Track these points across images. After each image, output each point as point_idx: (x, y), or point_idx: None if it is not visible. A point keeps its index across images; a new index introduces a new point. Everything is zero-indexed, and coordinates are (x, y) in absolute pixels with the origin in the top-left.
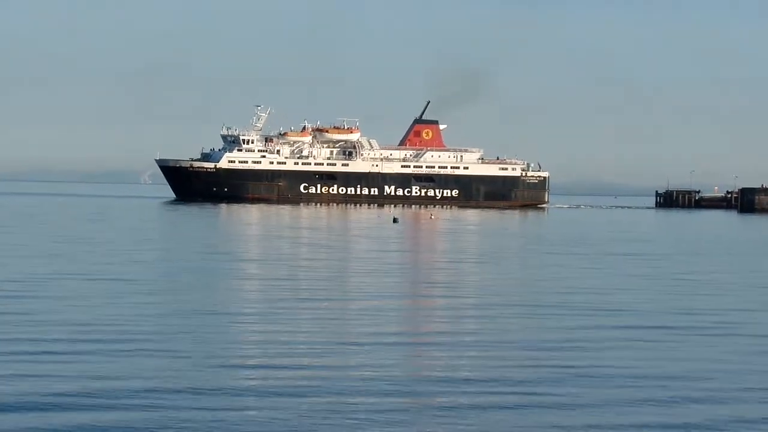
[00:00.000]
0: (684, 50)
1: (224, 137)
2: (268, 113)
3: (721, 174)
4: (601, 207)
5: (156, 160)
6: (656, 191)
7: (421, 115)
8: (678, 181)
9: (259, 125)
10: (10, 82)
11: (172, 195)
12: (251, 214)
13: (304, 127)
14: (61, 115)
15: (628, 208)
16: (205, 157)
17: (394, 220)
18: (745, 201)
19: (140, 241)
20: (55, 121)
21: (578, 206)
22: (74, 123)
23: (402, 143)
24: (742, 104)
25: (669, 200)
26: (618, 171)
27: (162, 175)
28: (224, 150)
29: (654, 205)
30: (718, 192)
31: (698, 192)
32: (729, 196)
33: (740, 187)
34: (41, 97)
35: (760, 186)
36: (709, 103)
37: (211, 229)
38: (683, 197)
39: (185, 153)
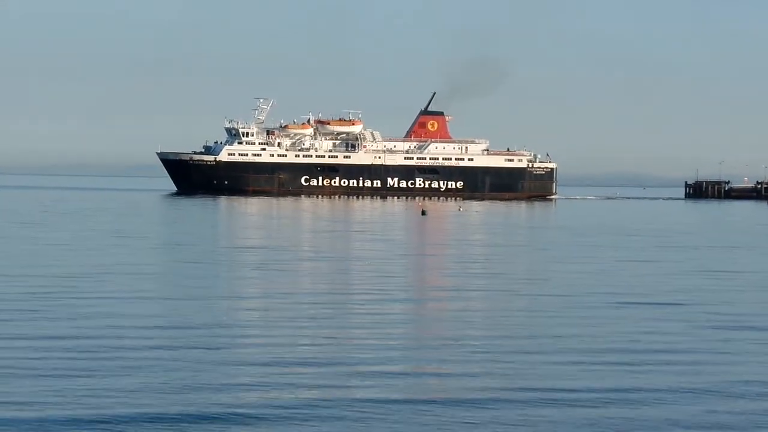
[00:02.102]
0: (713, 39)
1: (228, 130)
2: (271, 106)
3: (752, 164)
4: (626, 198)
5: (157, 153)
6: (686, 182)
7: (427, 107)
8: (707, 171)
9: (262, 118)
10: (7, 73)
11: (173, 188)
12: (273, 210)
13: (309, 120)
14: (63, 108)
15: (654, 199)
16: (207, 150)
17: (423, 213)
18: None
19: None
20: (58, 114)
21: (606, 197)
22: (75, 116)
23: (407, 135)
24: None
25: (698, 191)
26: (647, 162)
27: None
28: (227, 143)
29: (683, 196)
30: (747, 182)
31: (728, 183)
32: (759, 186)
33: None
34: (40, 89)
35: None
36: (739, 93)
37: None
38: (713, 188)
39: (191, 146)
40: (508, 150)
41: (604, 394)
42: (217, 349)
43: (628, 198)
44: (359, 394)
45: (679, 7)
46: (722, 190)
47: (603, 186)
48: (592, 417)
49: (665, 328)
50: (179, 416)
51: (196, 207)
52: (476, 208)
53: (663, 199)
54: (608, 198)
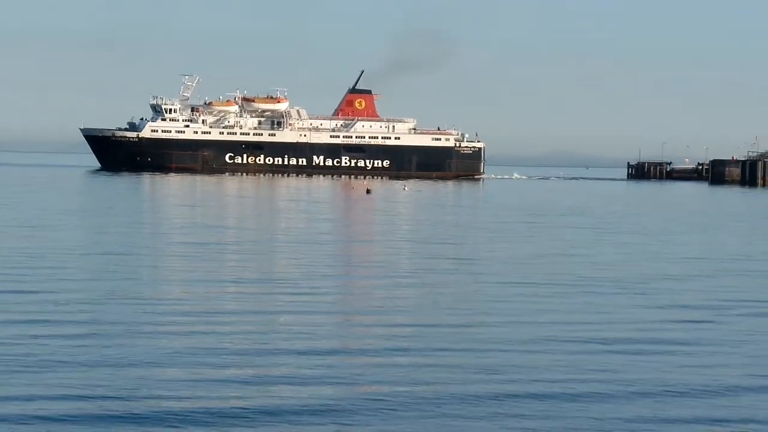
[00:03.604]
0: (656, 21)
1: (152, 107)
2: (196, 83)
3: (693, 146)
4: (567, 178)
5: (80, 129)
6: (628, 163)
7: (355, 85)
8: (650, 152)
9: (186, 95)
10: None
11: (97, 164)
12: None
13: (235, 97)
14: None
15: (593, 179)
16: (132, 127)
17: (368, 192)
18: (715, 173)
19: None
20: None
21: (548, 178)
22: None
23: (335, 114)
24: (714, 76)
25: (640, 172)
26: (591, 142)
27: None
28: (152, 120)
29: (626, 177)
30: (689, 164)
31: (669, 164)
32: (700, 168)
33: (711, 159)
34: None
35: (730, 158)
36: (681, 75)
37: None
38: (654, 169)
39: (120, 123)
40: (438, 129)
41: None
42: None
43: (570, 178)
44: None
45: None
46: (664, 171)
47: (546, 166)
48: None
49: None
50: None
51: (102, 185)
52: (418, 187)
53: (603, 179)
54: (543, 178)
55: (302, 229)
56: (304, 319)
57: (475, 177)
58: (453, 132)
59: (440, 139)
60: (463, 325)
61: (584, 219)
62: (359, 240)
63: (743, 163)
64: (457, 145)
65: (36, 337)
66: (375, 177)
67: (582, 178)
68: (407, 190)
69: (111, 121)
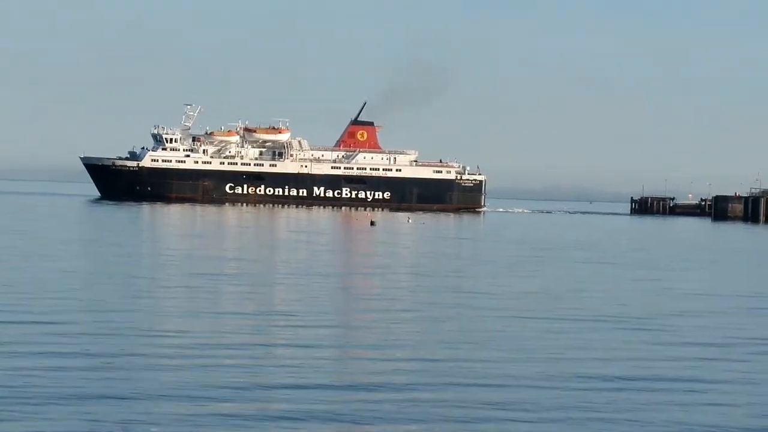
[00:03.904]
0: (659, 55)
1: (154, 136)
2: (198, 112)
3: (696, 181)
4: (569, 212)
5: (81, 158)
6: (631, 198)
7: (357, 116)
8: (653, 187)
9: (188, 124)
10: None
11: (98, 194)
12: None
13: (237, 127)
14: None
15: (596, 213)
16: (132, 156)
17: (372, 224)
18: (718, 209)
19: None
20: None
21: (544, 211)
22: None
23: (337, 145)
24: (716, 111)
25: (644, 207)
26: (595, 177)
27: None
28: (153, 149)
29: (629, 212)
30: (692, 199)
31: (673, 199)
32: (703, 203)
33: (714, 195)
34: None
35: (733, 194)
36: (684, 110)
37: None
38: (658, 204)
39: (122, 152)
40: (440, 161)
41: None
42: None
43: (575, 212)
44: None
45: (626, 25)
46: (667, 206)
47: (549, 200)
48: None
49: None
50: None
51: (101, 214)
52: (422, 219)
53: (598, 213)
54: (542, 212)
55: (308, 261)
56: (303, 353)
57: (476, 210)
58: (454, 164)
59: (441, 172)
60: (470, 360)
61: (589, 254)
62: (368, 272)
63: (746, 200)
64: (459, 177)
65: (36, 369)
66: (376, 209)
67: (586, 212)
68: (411, 222)
69: (113, 150)
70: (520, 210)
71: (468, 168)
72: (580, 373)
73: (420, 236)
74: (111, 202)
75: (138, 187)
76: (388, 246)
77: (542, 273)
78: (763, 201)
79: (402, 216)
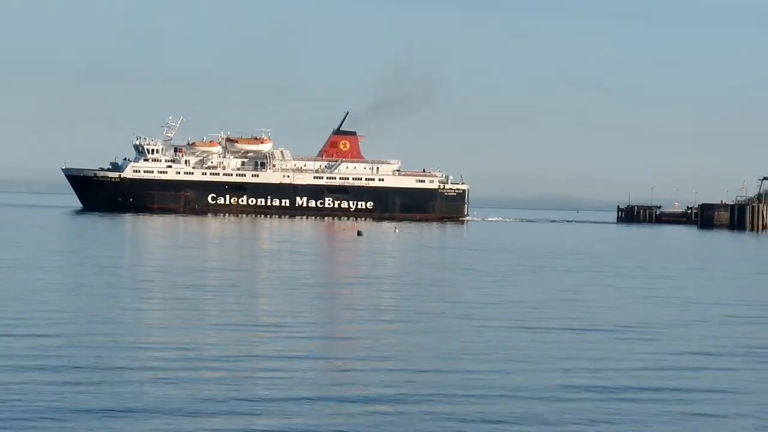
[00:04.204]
0: (645, 63)
1: (136, 147)
2: (180, 123)
3: (682, 189)
4: (552, 221)
5: (62, 169)
6: (618, 206)
7: (339, 127)
8: (639, 196)
9: (170, 135)
10: None
11: (79, 205)
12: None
13: (219, 138)
14: None
15: (582, 222)
16: (114, 167)
17: (359, 234)
18: (704, 217)
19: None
20: None
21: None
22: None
23: (320, 154)
24: (703, 119)
25: (630, 215)
26: (581, 185)
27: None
28: (136, 160)
29: (616, 220)
30: (678, 207)
31: (659, 207)
32: (689, 211)
33: (700, 203)
34: None
35: (719, 202)
36: (670, 118)
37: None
38: (644, 212)
39: (102, 162)
40: (423, 171)
41: None
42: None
43: (556, 221)
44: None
45: (611, 30)
46: (653, 215)
47: (534, 209)
48: None
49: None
50: None
51: (82, 225)
52: (408, 229)
53: (591, 222)
54: (526, 221)
55: (297, 272)
56: (288, 365)
57: (460, 219)
58: (437, 174)
59: (424, 181)
60: (458, 371)
61: (578, 262)
62: (358, 282)
63: (732, 207)
64: (441, 187)
65: (18, 383)
66: (358, 218)
67: (572, 221)
68: (398, 232)
69: (95, 161)
70: (503, 219)
71: (451, 177)
72: (569, 384)
73: (408, 245)
74: (93, 214)
75: (120, 198)
76: (378, 256)
77: (528, 282)
78: (749, 209)
79: (388, 226)
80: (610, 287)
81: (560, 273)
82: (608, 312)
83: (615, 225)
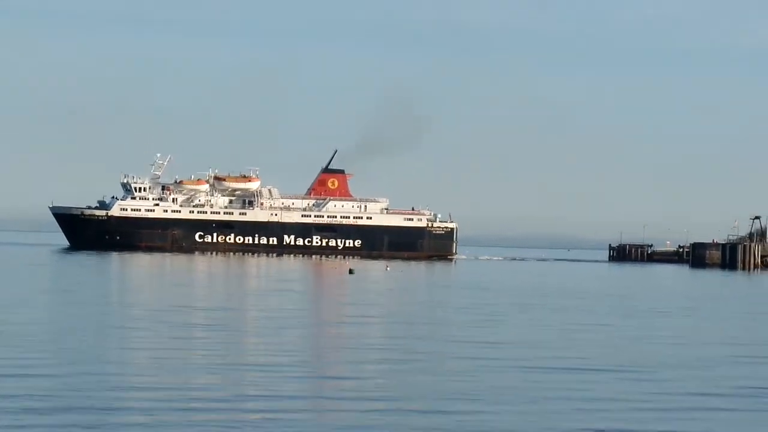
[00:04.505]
0: (635, 102)
1: (123, 185)
2: (168, 161)
3: (674, 228)
4: (542, 260)
5: (50, 207)
6: (609, 245)
7: (328, 165)
8: (631, 234)
9: (158, 173)
10: None
11: (66, 243)
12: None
13: (206, 176)
14: None
15: (574, 260)
16: (102, 205)
17: (350, 272)
18: (696, 256)
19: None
20: None
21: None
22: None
23: (308, 193)
24: (694, 159)
25: (622, 254)
26: (573, 225)
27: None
28: (123, 198)
29: (607, 259)
30: (670, 246)
31: (651, 246)
32: (681, 250)
33: (691, 242)
34: None
35: (711, 241)
36: (662, 158)
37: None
38: (636, 251)
39: (90, 201)
40: (413, 209)
41: None
42: None
43: (545, 259)
44: None
45: (599, 72)
46: (645, 254)
47: (526, 248)
48: None
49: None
50: None
51: (68, 264)
52: (400, 267)
53: (575, 260)
54: (515, 259)
55: (297, 311)
56: (274, 404)
57: (448, 257)
58: (425, 212)
59: (412, 219)
60: (449, 412)
61: (567, 301)
62: (351, 321)
63: (723, 246)
64: (430, 225)
65: (4, 427)
66: (347, 257)
67: (563, 259)
68: (390, 270)
69: (83, 199)
70: (490, 257)
71: (439, 215)
72: (562, 426)
73: (402, 284)
74: (80, 252)
75: (107, 236)
76: (371, 294)
77: (519, 321)
78: (740, 248)
79: (379, 264)
80: (604, 326)
81: (552, 311)
82: (602, 351)
83: (607, 264)
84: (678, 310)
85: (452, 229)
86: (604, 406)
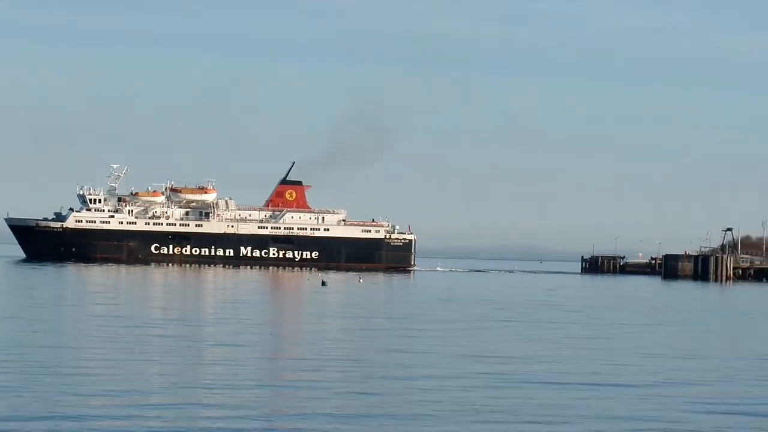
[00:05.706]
0: (606, 113)
1: (79, 197)
2: (124, 173)
3: (646, 240)
4: (511, 271)
5: (5, 218)
6: (582, 257)
7: (286, 176)
8: (603, 246)
9: (114, 184)
10: None
11: (22, 254)
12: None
13: (163, 188)
14: None
15: (546, 272)
16: (58, 217)
17: (323, 284)
18: (668, 267)
19: None
20: None
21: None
22: None
23: (266, 204)
24: (666, 171)
25: (594, 266)
26: (545, 236)
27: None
28: (80, 210)
29: (580, 271)
30: (642, 258)
31: (623, 258)
32: (653, 262)
33: (664, 254)
34: None
35: (683, 253)
36: (634, 170)
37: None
38: (608, 263)
39: (47, 212)
40: (373, 220)
41: None
42: None
43: (510, 271)
44: None
45: (569, 83)
46: (618, 265)
47: (497, 259)
48: None
49: None
50: None
51: (21, 275)
52: (374, 279)
53: (547, 272)
54: (478, 271)
55: (274, 324)
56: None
57: (407, 269)
58: (384, 224)
59: (370, 231)
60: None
61: (549, 313)
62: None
63: (696, 258)
64: (388, 236)
65: None
66: (303, 268)
67: (536, 271)
68: (362, 282)
69: (40, 211)
70: (449, 269)
71: (398, 227)
72: None
73: (382, 296)
74: (34, 264)
75: (63, 248)
76: (349, 307)
77: (487, 335)
78: (712, 259)
79: (351, 276)
80: (577, 338)
81: (524, 325)
82: (572, 365)
83: (579, 275)
84: (650, 322)
85: (410, 240)
86: (565, 418)
